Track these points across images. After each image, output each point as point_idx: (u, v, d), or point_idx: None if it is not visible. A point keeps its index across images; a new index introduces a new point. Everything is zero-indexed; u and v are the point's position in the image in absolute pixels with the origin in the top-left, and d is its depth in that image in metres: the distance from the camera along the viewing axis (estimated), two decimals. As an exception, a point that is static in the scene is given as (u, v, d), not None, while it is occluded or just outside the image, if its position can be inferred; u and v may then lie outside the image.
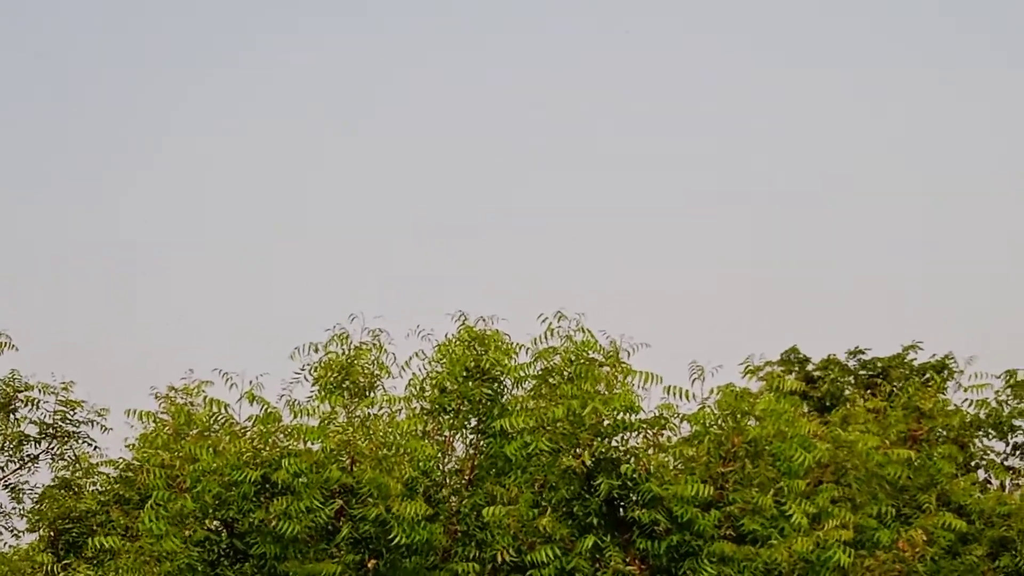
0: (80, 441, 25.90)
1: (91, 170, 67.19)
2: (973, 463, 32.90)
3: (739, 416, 21.33)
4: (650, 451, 21.50)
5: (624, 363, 21.50)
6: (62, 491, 25.18)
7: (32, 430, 25.95)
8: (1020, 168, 65.42)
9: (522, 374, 21.73)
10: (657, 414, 21.38)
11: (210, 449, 20.45)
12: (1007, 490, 31.54)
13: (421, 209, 64.94)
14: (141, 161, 67.10)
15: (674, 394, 21.26)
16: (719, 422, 21.42)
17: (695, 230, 64.09)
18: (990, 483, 32.47)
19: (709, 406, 21.40)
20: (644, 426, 21.43)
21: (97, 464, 25.57)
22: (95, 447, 25.88)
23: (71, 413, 25.95)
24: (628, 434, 21.46)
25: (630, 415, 21.17)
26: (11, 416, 25.78)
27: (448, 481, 22.49)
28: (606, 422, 21.14)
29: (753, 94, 65.73)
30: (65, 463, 25.77)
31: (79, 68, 67.05)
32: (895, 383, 32.30)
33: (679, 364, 21.49)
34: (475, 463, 22.06)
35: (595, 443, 21.04)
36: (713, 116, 66.45)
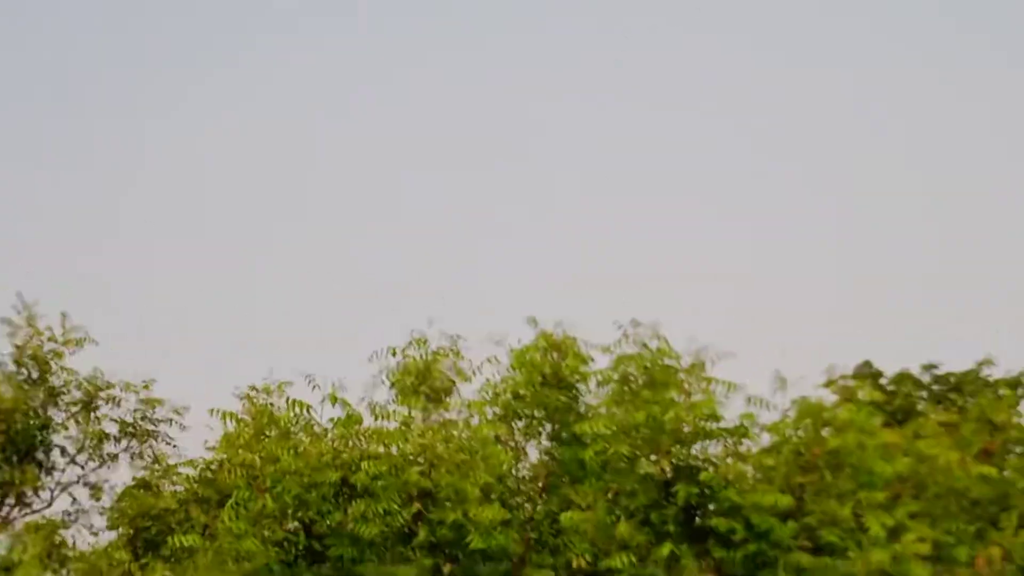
0: (159, 440, 26.00)
1: (92, 169, 67.67)
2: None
3: (819, 426, 21.28)
4: (729, 460, 21.46)
5: (705, 373, 21.47)
6: (141, 490, 25.26)
7: (112, 428, 26.09)
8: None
9: (601, 378, 21.71)
10: (738, 423, 21.37)
11: (291, 450, 20.53)
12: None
13: (420, 209, 65.04)
14: (141, 161, 67.41)
15: (755, 404, 21.25)
16: (799, 432, 21.37)
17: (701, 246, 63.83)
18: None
19: (789, 416, 21.37)
20: (724, 434, 21.42)
21: (176, 465, 25.66)
22: (174, 446, 25.96)
23: (150, 412, 26.04)
24: (708, 442, 21.43)
25: (711, 423, 21.17)
26: (92, 414, 25.92)
27: (521, 487, 22.47)
28: (686, 429, 21.12)
29: (753, 94, 65.33)
30: (144, 462, 25.87)
31: (78, 68, 67.58)
32: (968, 398, 32.07)
33: (743, 376, 21.56)
34: (549, 470, 22.04)
35: (674, 450, 21.02)
36: (715, 116, 66.21)
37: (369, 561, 20.65)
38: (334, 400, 21.04)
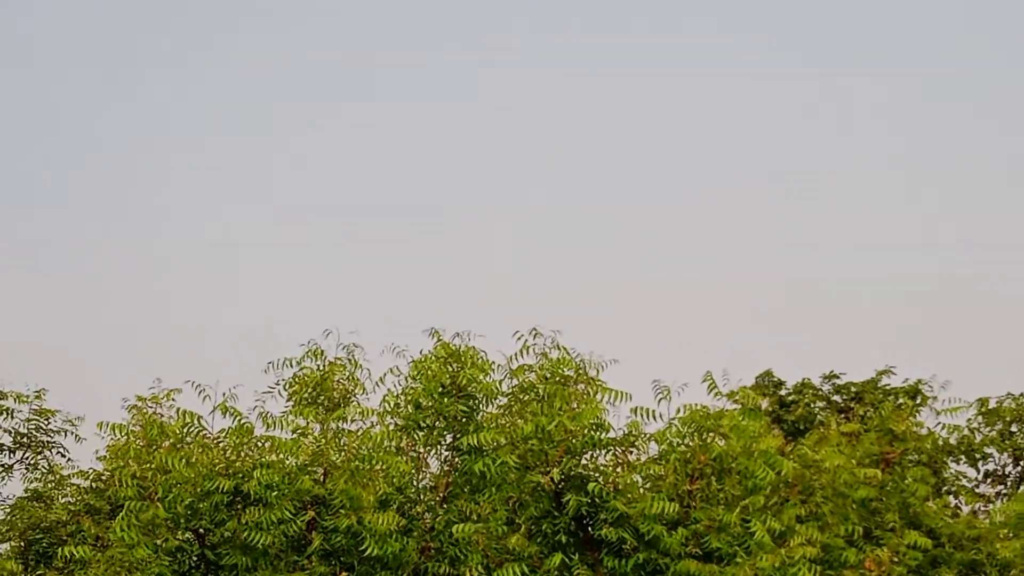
0: (54, 451, 25.90)
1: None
2: (944, 489, 33.13)
3: (705, 434, 21.50)
4: (618, 469, 21.66)
5: (596, 380, 21.67)
6: (33, 502, 25.16)
7: (6, 439, 25.94)
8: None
9: (494, 390, 21.85)
10: (626, 432, 21.57)
11: (182, 459, 20.57)
12: (977, 516, 31.73)
13: (421, 213, 65.34)
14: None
15: (641, 414, 21.44)
16: (685, 440, 21.58)
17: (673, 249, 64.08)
18: (960, 509, 32.67)
19: (675, 424, 21.56)
20: (613, 444, 21.61)
21: (69, 475, 25.57)
22: (67, 458, 25.88)
23: (44, 422, 25.91)
24: (597, 452, 21.63)
25: (599, 432, 21.36)
26: (-15, 426, 25.77)
27: (422, 498, 22.58)
28: (575, 439, 21.30)
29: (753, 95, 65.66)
30: (38, 473, 25.76)
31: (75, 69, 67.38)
32: (868, 407, 32.50)
33: (647, 384, 21.70)
34: (449, 480, 22.16)
35: (564, 460, 21.20)
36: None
37: (263, 570, 20.70)
38: (224, 410, 21.12)
